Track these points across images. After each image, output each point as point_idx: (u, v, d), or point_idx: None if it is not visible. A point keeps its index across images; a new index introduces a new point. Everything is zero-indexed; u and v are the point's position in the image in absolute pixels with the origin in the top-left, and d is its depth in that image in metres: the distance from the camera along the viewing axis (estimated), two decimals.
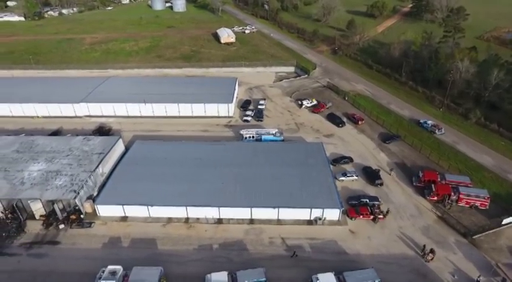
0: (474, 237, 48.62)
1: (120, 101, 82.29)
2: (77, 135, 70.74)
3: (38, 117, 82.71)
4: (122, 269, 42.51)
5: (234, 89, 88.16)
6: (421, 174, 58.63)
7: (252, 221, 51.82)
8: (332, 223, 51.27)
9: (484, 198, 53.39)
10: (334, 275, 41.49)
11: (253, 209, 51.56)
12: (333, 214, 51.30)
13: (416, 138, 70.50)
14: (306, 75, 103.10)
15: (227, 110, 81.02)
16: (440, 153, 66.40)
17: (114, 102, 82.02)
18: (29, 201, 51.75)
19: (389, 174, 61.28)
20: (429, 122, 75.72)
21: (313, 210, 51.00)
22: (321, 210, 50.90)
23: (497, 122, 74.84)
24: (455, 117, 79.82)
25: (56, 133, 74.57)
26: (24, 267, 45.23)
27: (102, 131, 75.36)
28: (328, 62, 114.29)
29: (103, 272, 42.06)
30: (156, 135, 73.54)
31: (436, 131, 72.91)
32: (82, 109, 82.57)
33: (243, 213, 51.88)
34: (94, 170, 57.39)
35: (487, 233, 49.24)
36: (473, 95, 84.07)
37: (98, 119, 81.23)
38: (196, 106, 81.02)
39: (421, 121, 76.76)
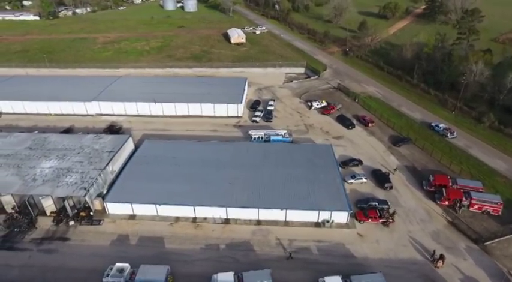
0: (486, 243, 47.55)
1: (130, 100, 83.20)
2: (88, 133, 71.79)
3: (51, 114, 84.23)
4: (129, 267, 42.83)
5: (244, 90, 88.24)
6: (431, 178, 57.62)
7: (259, 222, 51.68)
8: (340, 226, 50.78)
9: (497, 204, 52.19)
10: (341, 278, 41.03)
11: (260, 209, 51.42)
12: (341, 217, 50.81)
13: (428, 142, 69.39)
14: (316, 77, 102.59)
15: (236, 110, 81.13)
16: (452, 157, 65.19)
17: (125, 101, 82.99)
18: (40, 198, 52.66)
19: (393, 174, 60.67)
20: (441, 125, 74.45)
21: (321, 212, 50.59)
22: (329, 212, 50.46)
23: (511, 126, 73.15)
24: (468, 121, 78.28)
25: (67, 131, 75.77)
26: (34, 263, 46.01)
27: (112, 129, 76.20)
28: (339, 63, 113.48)
29: (111, 269, 42.42)
30: (165, 134, 74.06)
31: (448, 135, 71.63)
32: (93, 107, 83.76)
33: (250, 214, 51.79)
34: (104, 168, 58.06)
35: (499, 239, 48.08)
36: (487, 99, 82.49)
37: (109, 117, 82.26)
38: (206, 106, 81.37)
39: (433, 124, 75.54)
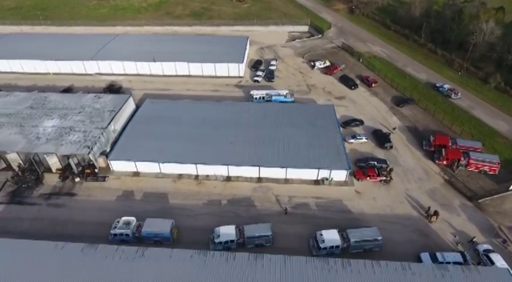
0: (480, 200, 48.91)
1: (129, 59, 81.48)
2: (88, 92, 71.28)
3: (49, 74, 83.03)
4: (135, 220, 44.73)
5: (245, 49, 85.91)
6: (432, 139, 57.91)
7: (260, 180, 52.88)
8: (339, 184, 51.98)
9: (494, 164, 52.91)
10: (338, 231, 42.84)
11: (261, 168, 52.35)
12: (340, 175, 51.83)
13: (431, 102, 68.72)
14: (320, 35, 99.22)
15: (238, 70, 79.61)
16: (454, 118, 64.94)
17: (124, 60, 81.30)
18: (45, 155, 53.61)
19: (392, 132, 61.04)
20: (445, 86, 73.26)
21: (320, 170, 51.53)
22: (328, 170, 51.40)
23: None
24: (473, 82, 76.87)
25: (67, 90, 75.13)
26: (43, 216, 48.01)
27: (112, 88, 75.43)
28: (344, 21, 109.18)
29: (118, 222, 44.35)
30: (166, 94, 73.43)
31: (452, 95, 70.74)
32: (92, 67, 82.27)
33: (251, 171, 52.79)
34: (106, 127, 58.42)
35: (493, 197, 49.36)
36: (495, 59, 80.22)
37: (108, 76, 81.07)
38: (207, 65, 79.77)
39: (437, 85, 74.30)
